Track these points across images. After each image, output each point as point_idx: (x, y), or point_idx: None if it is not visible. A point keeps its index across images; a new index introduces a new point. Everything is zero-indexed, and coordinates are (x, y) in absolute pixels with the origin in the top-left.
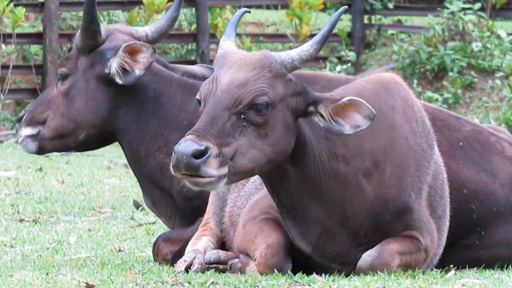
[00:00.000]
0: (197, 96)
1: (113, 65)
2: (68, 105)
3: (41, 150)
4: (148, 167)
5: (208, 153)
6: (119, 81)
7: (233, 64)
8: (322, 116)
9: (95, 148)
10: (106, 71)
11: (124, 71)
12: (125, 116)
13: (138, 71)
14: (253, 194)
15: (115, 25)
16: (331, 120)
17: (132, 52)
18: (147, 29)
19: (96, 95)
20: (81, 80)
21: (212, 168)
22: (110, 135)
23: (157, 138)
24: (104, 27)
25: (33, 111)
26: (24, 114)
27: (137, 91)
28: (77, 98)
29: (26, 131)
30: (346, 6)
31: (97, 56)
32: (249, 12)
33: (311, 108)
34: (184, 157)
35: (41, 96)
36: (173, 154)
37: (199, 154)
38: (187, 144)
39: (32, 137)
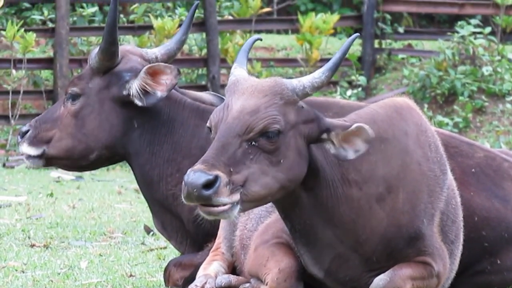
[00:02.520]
0: (208, 124)
1: (134, 86)
2: (79, 126)
3: (48, 165)
4: (159, 192)
5: (218, 183)
6: (139, 103)
7: (245, 91)
8: (333, 143)
9: (104, 166)
10: (125, 92)
11: (144, 92)
12: (138, 140)
13: (160, 92)
14: (263, 216)
15: (126, 47)
16: (340, 147)
17: (153, 73)
18: (157, 51)
19: (110, 117)
20: (95, 101)
21: (223, 197)
22: (121, 157)
23: (170, 163)
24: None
25: (38, 127)
26: (28, 130)
27: (151, 114)
28: (89, 119)
29: (29, 150)
30: (358, 34)
31: (113, 78)
32: (261, 40)
33: (324, 135)
34: (195, 190)
35: (46, 113)
36: (183, 185)
37: (210, 184)
38: (196, 176)
39: (37, 157)
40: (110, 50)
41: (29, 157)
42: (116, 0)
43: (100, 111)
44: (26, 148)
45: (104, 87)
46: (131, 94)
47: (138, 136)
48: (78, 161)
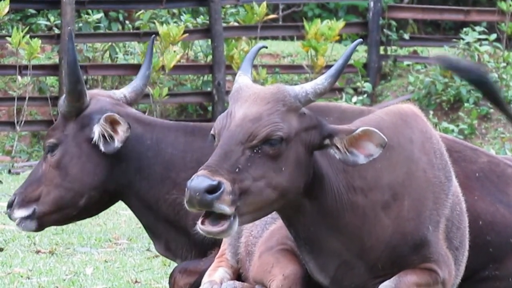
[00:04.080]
0: (212, 131)
1: (96, 132)
2: (62, 175)
3: (41, 227)
4: (160, 211)
5: (222, 189)
6: (102, 148)
7: (247, 98)
8: (337, 148)
9: (97, 213)
10: (92, 135)
11: (104, 139)
12: (126, 170)
13: (117, 142)
14: (269, 223)
15: (93, 90)
16: (346, 152)
17: (112, 122)
18: (124, 91)
19: (91, 158)
20: (72, 146)
21: (225, 205)
22: (112, 194)
23: (164, 182)
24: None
25: (23, 192)
26: (15, 198)
27: (133, 143)
28: (71, 164)
29: (20, 213)
30: (361, 40)
31: (85, 120)
32: (266, 47)
33: (327, 141)
34: (197, 193)
35: (30, 176)
36: (186, 190)
37: (212, 190)
38: (199, 180)
39: (29, 217)
40: (76, 90)
41: (20, 221)
42: (72, 39)
43: (80, 155)
44: (16, 213)
45: (78, 130)
46: (93, 139)
47: (125, 167)
48: (68, 211)
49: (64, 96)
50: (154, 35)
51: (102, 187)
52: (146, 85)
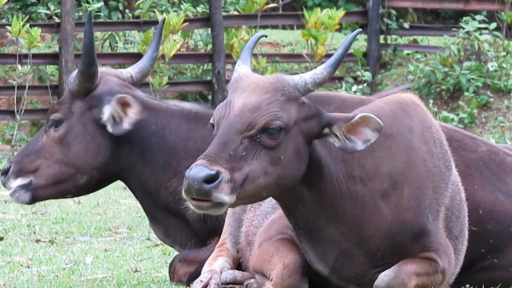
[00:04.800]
0: (211, 120)
1: (106, 113)
2: (64, 151)
3: (34, 200)
4: (160, 198)
5: (220, 178)
6: (110, 129)
7: (247, 88)
8: (336, 136)
9: (93, 191)
10: (101, 117)
11: (114, 121)
12: (129, 154)
13: (127, 124)
14: (269, 213)
15: (101, 69)
16: (345, 139)
17: (123, 104)
18: (131, 71)
19: (95, 138)
20: (78, 124)
21: (223, 194)
22: (112, 176)
23: (166, 169)
24: None
25: (20, 161)
26: (10, 166)
27: (138, 128)
28: (75, 143)
29: (17, 182)
30: (361, 29)
31: (94, 100)
32: (266, 36)
33: (326, 130)
34: (195, 182)
35: (27, 146)
36: (184, 179)
37: (211, 179)
38: (198, 170)
39: (24, 187)
40: (90, 72)
41: (15, 191)
42: (91, 21)
43: (84, 134)
44: (13, 182)
45: (86, 110)
46: (102, 119)
47: (128, 151)
48: (66, 186)
49: (74, 73)
50: (164, 18)
51: (104, 168)
52: (153, 66)
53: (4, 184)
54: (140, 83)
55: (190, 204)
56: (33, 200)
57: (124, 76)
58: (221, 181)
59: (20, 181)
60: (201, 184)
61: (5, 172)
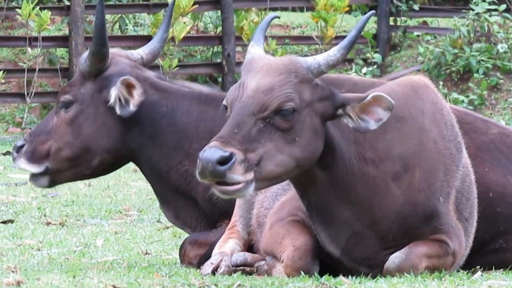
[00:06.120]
0: (224, 102)
1: (113, 95)
2: (75, 133)
3: (53, 184)
4: (171, 180)
5: (233, 160)
6: (117, 111)
7: (260, 69)
8: (350, 117)
9: (108, 172)
10: (109, 98)
11: (120, 103)
12: (140, 135)
13: (132, 106)
14: (280, 195)
15: (112, 50)
16: (358, 119)
17: (128, 86)
18: (141, 52)
19: (106, 120)
20: (89, 106)
21: (237, 174)
22: (124, 157)
23: (177, 151)
24: None
25: (33, 141)
26: (23, 145)
27: (148, 109)
28: (85, 125)
29: (31, 168)
30: (373, 11)
31: (104, 82)
32: (279, 17)
33: (340, 111)
34: (209, 164)
35: (39, 126)
36: (198, 161)
37: (224, 161)
38: (211, 152)
39: (41, 174)
40: (101, 52)
41: (33, 176)
42: (102, 2)
43: (95, 116)
44: (25, 165)
45: (96, 91)
46: (110, 102)
47: (139, 132)
48: (81, 169)
49: (85, 54)
50: (174, 0)
51: (115, 150)
52: (163, 47)
53: (14, 159)
54: (150, 64)
55: (215, 190)
56: (52, 184)
57: (134, 57)
58: (235, 162)
59: (35, 168)
60: (215, 165)
61: (18, 149)
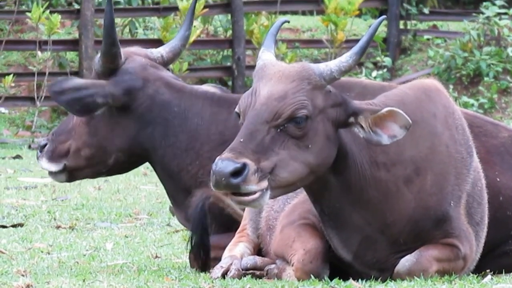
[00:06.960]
0: (236, 109)
1: None
2: (92, 133)
3: (72, 179)
4: (182, 181)
5: (246, 171)
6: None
7: (272, 76)
8: (362, 127)
9: (125, 171)
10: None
11: None
12: (152, 135)
13: None
14: (290, 197)
15: (130, 48)
16: (370, 131)
17: None
18: (162, 50)
19: (120, 120)
20: None
21: (251, 185)
22: (138, 157)
23: (188, 152)
24: (122, 50)
25: (54, 141)
26: (46, 144)
27: (160, 109)
28: (100, 124)
29: (50, 167)
30: (385, 16)
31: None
32: (288, 22)
33: (352, 119)
34: (223, 178)
35: (61, 125)
36: (211, 174)
37: (238, 172)
38: (224, 165)
39: (59, 172)
40: (111, 52)
41: (51, 173)
42: (111, 2)
43: (110, 115)
44: (46, 164)
45: None
46: None
47: (151, 132)
48: (98, 167)
49: (99, 54)
50: None
51: (129, 149)
52: (185, 46)
53: (37, 158)
54: (171, 63)
55: (231, 201)
56: (71, 179)
57: (154, 56)
58: (248, 172)
59: (54, 167)
60: (229, 179)
61: (42, 148)
